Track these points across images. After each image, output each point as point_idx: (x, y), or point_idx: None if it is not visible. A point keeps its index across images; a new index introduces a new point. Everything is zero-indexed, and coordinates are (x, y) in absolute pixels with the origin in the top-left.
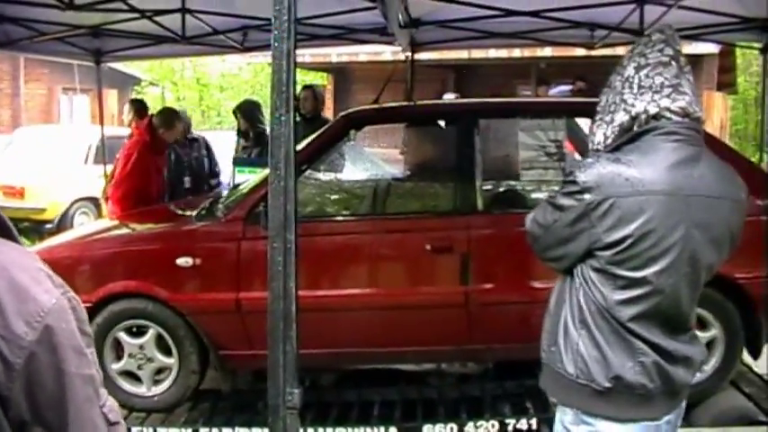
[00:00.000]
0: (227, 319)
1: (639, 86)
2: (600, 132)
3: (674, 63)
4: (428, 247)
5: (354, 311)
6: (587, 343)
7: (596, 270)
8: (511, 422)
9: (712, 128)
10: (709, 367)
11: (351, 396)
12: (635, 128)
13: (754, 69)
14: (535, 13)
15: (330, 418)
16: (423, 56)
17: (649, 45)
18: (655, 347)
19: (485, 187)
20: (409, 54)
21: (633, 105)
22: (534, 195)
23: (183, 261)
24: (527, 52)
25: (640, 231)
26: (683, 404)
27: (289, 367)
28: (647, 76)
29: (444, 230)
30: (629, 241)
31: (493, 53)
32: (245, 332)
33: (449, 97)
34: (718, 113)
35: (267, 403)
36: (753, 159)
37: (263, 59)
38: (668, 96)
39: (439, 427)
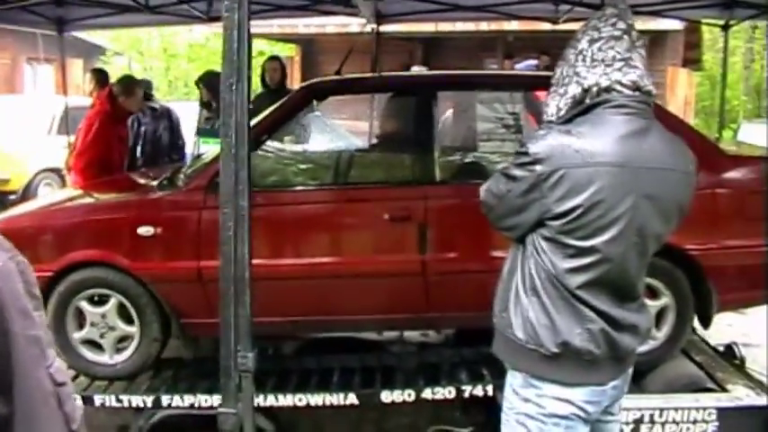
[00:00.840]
0: (189, 288)
1: (592, 59)
2: (553, 104)
3: (626, 37)
4: (386, 216)
5: (315, 279)
6: (537, 309)
7: (547, 239)
8: (467, 388)
9: (677, 104)
10: (661, 335)
11: (310, 363)
12: (587, 100)
13: (720, 46)
14: None
15: (290, 385)
16: (390, 28)
17: (603, 19)
18: (602, 315)
19: (443, 158)
20: (375, 26)
21: (585, 78)
22: (491, 167)
23: (144, 230)
24: (494, 26)
25: (590, 202)
26: (630, 370)
27: (242, 330)
28: (599, 49)
29: (402, 200)
30: (578, 211)
31: (460, 26)
32: (206, 300)
33: (416, 70)
34: (683, 90)
35: None
36: (716, 135)
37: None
38: (620, 70)
39: (397, 393)
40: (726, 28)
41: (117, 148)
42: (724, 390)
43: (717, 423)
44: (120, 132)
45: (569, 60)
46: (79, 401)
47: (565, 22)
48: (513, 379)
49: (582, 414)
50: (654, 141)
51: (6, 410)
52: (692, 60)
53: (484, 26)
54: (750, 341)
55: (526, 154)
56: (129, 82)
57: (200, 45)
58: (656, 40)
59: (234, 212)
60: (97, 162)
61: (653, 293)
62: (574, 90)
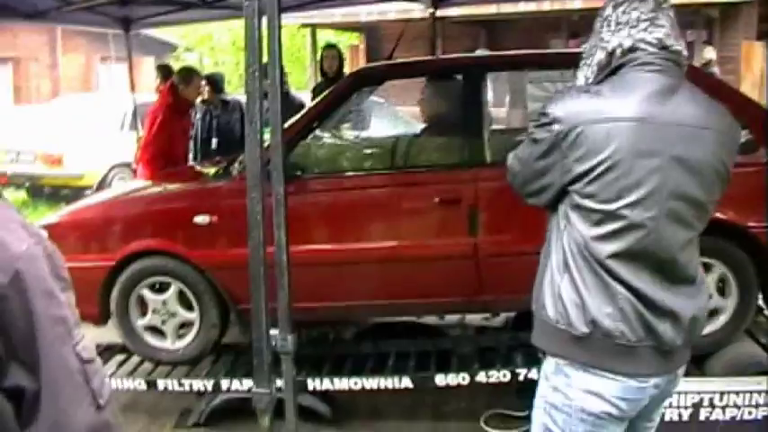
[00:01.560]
0: (244, 274)
1: (617, 23)
2: (581, 74)
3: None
4: (437, 199)
5: (367, 264)
6: (567, 287)
7: (574, 207)
8: (522, 372)
9: (753, 79)
10: (724, 317)
11: (367, 348)
12: (612, 63)
13: None
14: None
15: (346, 369)
16: (452, 12)
17: None
18: (636, 293)
19: (493, 140)
20: (432, 10)
21: (609, 41)
22: None
23: (201, 219)
24: (557, 5)
25: (611, 160)
26: (680, 372)
27: (282, 314)
28: (623, 12)
29: (452, 183)
30: (599, 170)
31: (522, 6)
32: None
33: (479, 53)
34: (759, 65)
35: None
36: None
37: (293, 21)
38: (645, 30)
39: (451, 376)
40: None
41: (180, 139)
42: None
43: None
44: (184, 124)
45: (596, 30)
46: (108, 380)
47: None
48: (547, 365)
49: (614, 411)
50: (683, 100)
51: (35, 386)
52: (766, 33)
53: (546, 6)
54: None
55: (545, 114)
56: (186, 72)
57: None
58: (727, 14)
59: (260, 198)
60: (162, 153)
61: (714, 273)
62: (599, 56)
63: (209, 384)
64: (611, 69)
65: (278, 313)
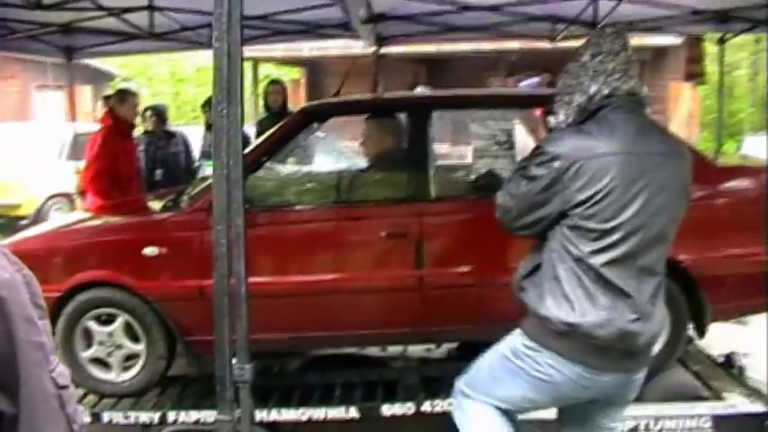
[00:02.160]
0: (192, 306)
1: (595, 71)
2: (561, 112)
3: (623, 52)
4: (383, 233)
5: (315, 296)
6: (556, 290)
7: (571, 227)
8: None
9: (680, 118)
10: (657, 346)
11: (313, 379)
12: (591, 106)
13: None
14: (495, 8)
15: (293, 399)
16: (394, 49)
17: (603, 36)
18: (622, 295)
19: (437, 176)
20: (376, 48)
21: (589, 87)
22: (485, 182)
23: (149, 250)
24: (495, 45)
25: (608, 188)
26: (637, 378)
27: (240, 344)
28: (601, 62)
29: (399, 217)
30: (598, 197)
31: (462, 46)
32: (210, 318)
33: (420, 90)
34: (687, 104)
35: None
36: (726, 148)
37: None
38: (619, 79)
39: (397, 406)
40: (721, 42)
41: (123, 160)
42: (719, 398)
43: (712, 430)
44: (126, 145)
45: (573, 73)
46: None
47: (562, 40)
48: (517, 337)
49: (563, 389)
50: (652, 134)
51: (14, 410)
52: (694, 74)
53: (485, 45)
54: (751, 351)
55: (544, 153)
56: (121, 92)
57: (207, 69)
58: (657, 56)
59: (226, 230)
60: (104, 173)
61: None
62: (579, 99)
63: (156, 416)
64: (589, 112)
65: (236, 343)
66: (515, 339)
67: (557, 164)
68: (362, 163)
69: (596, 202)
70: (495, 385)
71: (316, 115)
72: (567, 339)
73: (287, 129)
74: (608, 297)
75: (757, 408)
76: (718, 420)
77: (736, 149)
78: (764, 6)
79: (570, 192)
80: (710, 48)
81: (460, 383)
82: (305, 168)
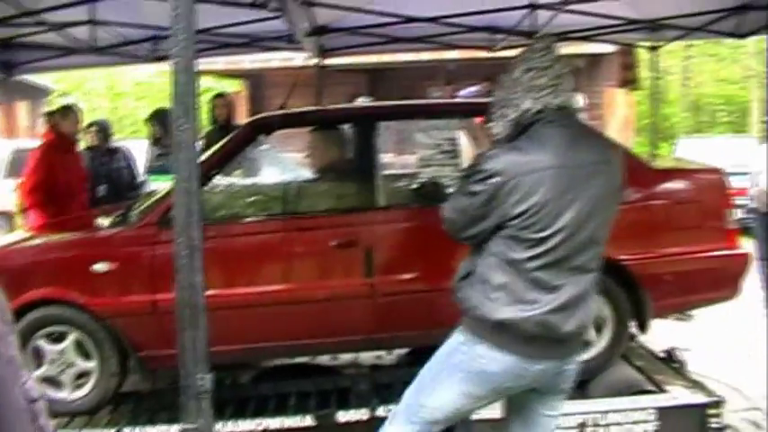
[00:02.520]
0: (144, 321)
1: (526, 87)
2: (497, 125)
3: (554, 66)
4: (333, 242)
5: (266, 307)
6: (490, 290)
7: (509, 237)
8: None
9: (616, 123)
10: (602, 344)
11: (267, 390)
12: (525, 121)
13: (662, 65)
14: (436, 19)
15: (248, 410)
16: (334, 61)
17: (534, 52)
18: (552, 291)
19: (385, 185)
20: (318, 60)
21: (522, 102)
22: (430, 190)
23: (99, 266)
24: (435, 55)
25: (542, 201)
26: (570, 368)
27: (199, 354)
28: (531, 78)
29: (348, 226)
30: (532, 210)
31: (402, 56)
32: (162, 333)
33: (361, 101)
34: (622, 109)
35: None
36: (660, 151)
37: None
38: (550, 94)
39: (352, 412)
40: (653, 49)
41: (63, 175)
42: (663, 391)
43: (657, 422)
44: (68, 159)
45: (506, 87)
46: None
47: (501, 49)
48: (453, 337)
49: (500, 378)
50: (582, 145)
51: None
52: (628, 81)
53: (425, 56)
54: (693, 346)
55: (481, 171)
56: (63, 107)
57: (146, 83)
58: (592, 63)
59: (187, 242)
60: (40, 186)
61: (597, 309)
62: (512, 114)
63: None
64: (523, 126)
65: (196, 354)
66: (452, 339)
67: (493, 180)
68: (310, 174)
69: (531, 215)
70: (434, 391)
71: (263, 128)
72: (499, 333)
73: (235, 142)
74: (536, 293)
75: (699, 399)
76: (663, 412)
77: (670, 152)
78: (693, 15)
79: (507, 206)
80: (644, 54)
81: (397, 408)
82: (253, 181)
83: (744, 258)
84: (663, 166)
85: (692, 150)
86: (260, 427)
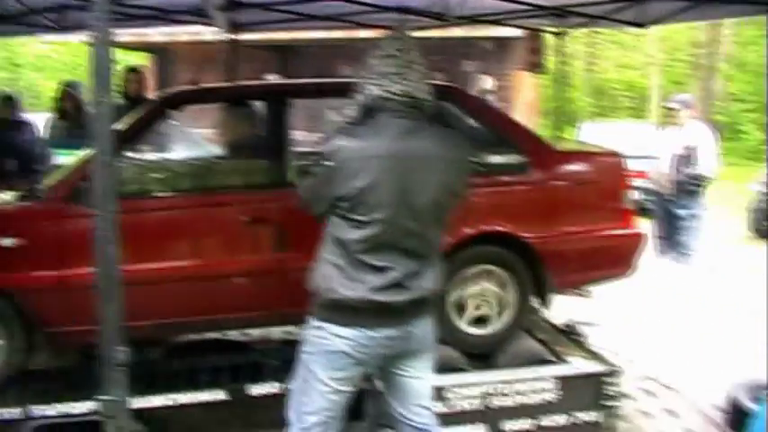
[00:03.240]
0: (55, 297)
1: (374, 74)
2: (351, 111)
3: (401, 56)
4: (244, 218)
5: (178, 283)
6: (327, 269)
7: (339, 216)
8: None
9: (523, 105)
10: (505, 318)
11: (179, 365)
12: (371, 107)
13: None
14: None
15: (160, 386)
16: (245, 36)
17: (386, 41)
18: (376, 272)
19: (295, 162)
20: (231, 35)
21: (370, 89)
22: None
23: (6, 241)
24: (346, 34)
25: (366, 186)
26: (416, 331)
27: (116, 327)
28: (379, 65)
29: (259, 203)
30: (356, 193)
31: (315, 34)
32: (70, 308)
33: (270, 78)
34: (529, 92)
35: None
36: (564, 134)
37: (78, 39)
38: (395, 82)
39: (265, 386)
40: (559, 35)
41: None
42: (563, 361)
43: (558, 391)
44: None
45: (361, 74)
46: None
47: (411, 30)
48: (307, 325)
49: (351, 351)
50: (421, 137)
51: None
52: (535, 65)
53: (337, 34)
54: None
55: (321, 153)
56: None
57: (47, 55)
58: (500, 47)
59: (107, 215)
60: None
61: (496, 278)
62: (361, 99)
63: (20, 412)
64: (369, 111)
65: (111, 327)
66: (306, 330)
67: (328, 163)
68: (221, 150)
69: (356, 199)
70: (308, 387)
71: (173, 103)
72: (337, 311)
73: (143, 117)
74: (363, 274)
75: (596, 368)
76: (562, 380)
77: (573, 136)
78: (598, 4)
79: (337, 188)
80: (550, 39)
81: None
82: (163, 156)
83: (638, 237)
84: (565, 149)
85: (594, 134)
86: (171, 403)
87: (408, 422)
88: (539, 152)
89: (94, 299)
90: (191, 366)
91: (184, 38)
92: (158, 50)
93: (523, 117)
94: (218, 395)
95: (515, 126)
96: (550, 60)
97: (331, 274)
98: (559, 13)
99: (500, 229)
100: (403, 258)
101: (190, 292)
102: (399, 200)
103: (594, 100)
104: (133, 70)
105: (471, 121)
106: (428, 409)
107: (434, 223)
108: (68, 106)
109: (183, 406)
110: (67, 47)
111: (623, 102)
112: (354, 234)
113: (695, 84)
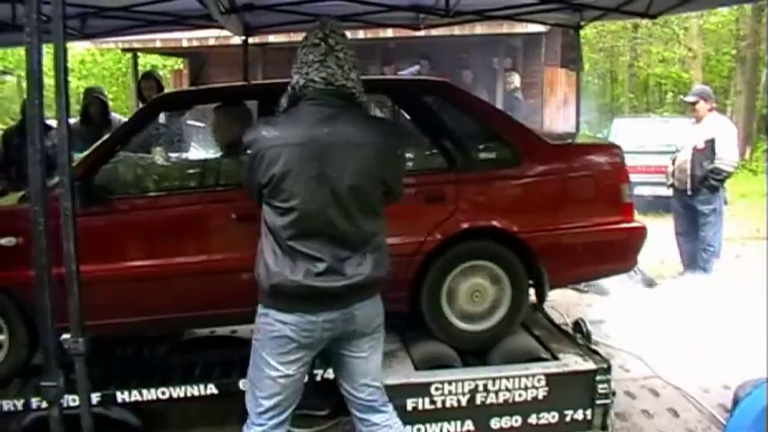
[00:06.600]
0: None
1: (300, 62)
2: (282, 100)
3: (323, 44)
4: (233, 216)
5: (172, 279)
6: (265, 256)
7: (267, 204)
8: (318, 372)
9: (556, 102)
10: (499, 314)
11: (175, 361)
12: (295, 95)
13: (603, 46)
14: None
15: (154, 380)
16: (272, 38)
17: (312, 31)
18: (306, 259)
19: None
20: (250, 38)
21: (294, 78)
22: None
23: (5, 240)
24: (371, 33)
25: (281, 172)
26: (356, 313)
27: (74, 318)
28: (304, 54)
29: (247, 200)
30: (274, 180)
31: None
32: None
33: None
34: (563, 89)
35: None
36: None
37: (113, 45)
38: (315, 70)
39: None
40: (577, 29)
41: None
42: (556, 358)
43: (546, 388)
44: None
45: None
46: None
47: (426, 28)
48: (260, 310)
49: (294, 336)
50: (342, 124)
51: None
52: (570, 60)
53: (361, 34)
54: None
55: (243, 143)
56: None
57: (90, 62)
58: (529, 42)
59: (42, 209)
60: None
61: (490, 274)
62: (289, 88)
63: (20, 404)
64: (292, 100)
65: (70, 318)
66: (256, 317)
67: (249, 151)
68: (213, 150)
69: (274, 185)
70: (258, 376)
71: (165, 105)
72: (278, 296)
73: (137, 119)
74: (294, 261)
75: (588, 366)
76: (551, 378)
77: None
78: None
79: (258, 175)
80: (589, 35)
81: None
82: (156, 157)
83: (639, 231)
84: (559, 143)
85: (626, 129)
86: (164, 396)
87: (355, 399)
88: (531, 146)
89: (91, 295)
90: (186, 362)
91: (212, 42)
92: (191, 54)
93: (555, 113)
94: (210, 389)
95: (507, 120)
96: (594, 56)
97: (269, 262)
98: (573, 7)
99: (493, 224)
100: (332, 245)
101: (184, 289)
102: (316, 186)
103: (639, 95)
104: (148, 77)
105: (461, 116)
106: (374, 387)
107: (362, 210)
108: (93, 112)
109: (177, 399)
110: (102, 52)
111: (668, 97)
112: (280, 221)
113: (740, 77)
